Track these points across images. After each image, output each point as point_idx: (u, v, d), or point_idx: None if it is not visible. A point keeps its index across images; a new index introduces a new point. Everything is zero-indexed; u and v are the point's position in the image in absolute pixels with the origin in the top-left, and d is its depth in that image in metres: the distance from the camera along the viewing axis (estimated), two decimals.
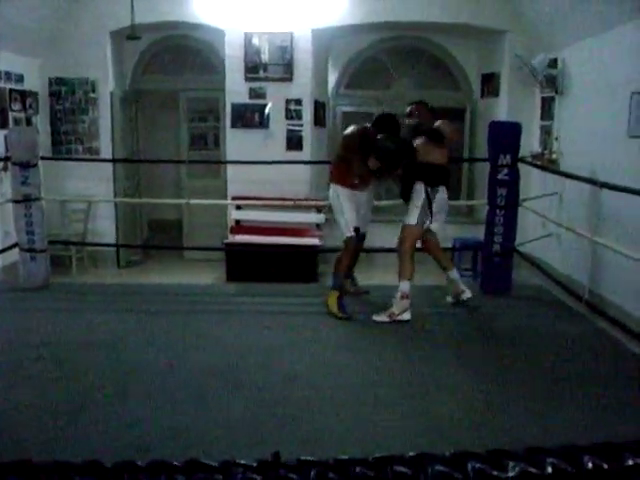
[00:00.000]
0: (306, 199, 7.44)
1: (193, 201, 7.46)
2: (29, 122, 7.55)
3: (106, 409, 3.72)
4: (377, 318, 5.20)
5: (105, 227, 7.97)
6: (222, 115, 8.09)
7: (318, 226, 7.62)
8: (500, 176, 5.88)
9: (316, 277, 7.09)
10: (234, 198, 7.64)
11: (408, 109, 5.58)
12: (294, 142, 7.62)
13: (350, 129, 5.34)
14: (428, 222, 5.25)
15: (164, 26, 7.80)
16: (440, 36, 8.26)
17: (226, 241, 7.55)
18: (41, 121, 7.80)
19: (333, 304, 5.34)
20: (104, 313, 5.67)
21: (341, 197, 5.28)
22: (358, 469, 0.96)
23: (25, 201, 6.24)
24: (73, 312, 5.74)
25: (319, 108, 7.94)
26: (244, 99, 7.59)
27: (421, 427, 3.50)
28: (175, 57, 8.39)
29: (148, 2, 7.07)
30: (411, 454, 1.01)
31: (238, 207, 7.69)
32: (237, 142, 7.66)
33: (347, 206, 5.27)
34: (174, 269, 7.83)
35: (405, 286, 5.18)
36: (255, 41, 7.49)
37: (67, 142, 7.98)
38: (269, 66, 7.52)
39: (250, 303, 5.99)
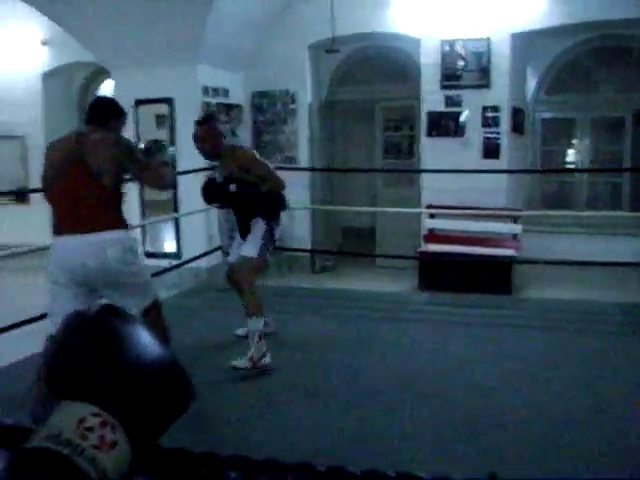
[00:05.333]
0: (502, 209, 7.35)
1: (386, 209, 7.64)
2: (234, 133, 8.17)
3: (293, 409, 3.98)
4: (234, 363, 4.49)
5: (301, 233, 8.39)
6: (417, 123, 8.21)
7: (515, 237, 7.49)
8: None
9: (510, 289, 6.98)
10: (428, 207, 7.73)
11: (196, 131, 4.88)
12: (491, 150, 7.57)
13: None
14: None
15: (360, 37, 8.11)
16: None
17: (419, 249, 7.65)
18: (244, 132, 8.40)
19: None
20: (296, 315, 6.03)
21: None
22: None
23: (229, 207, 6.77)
24: (268, 313, 6.12)
25: (517, 115, 7.82)
26: (440, 107, 7.67)
27: (612, 451, 3.36)
28: (371, 67, 8.67)
29: (345, 15, 7.40)
30: None
31: (432, 216, 7.77)
32: (432, 150, 7.75)
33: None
34: (366, 276, 8.08)
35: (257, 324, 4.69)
36: (451, 48, 7.54)
37: (267, 152, 8.50)
38: (465, 73, 7.55)
39: (441, 313, 6.06)
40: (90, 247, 3.47)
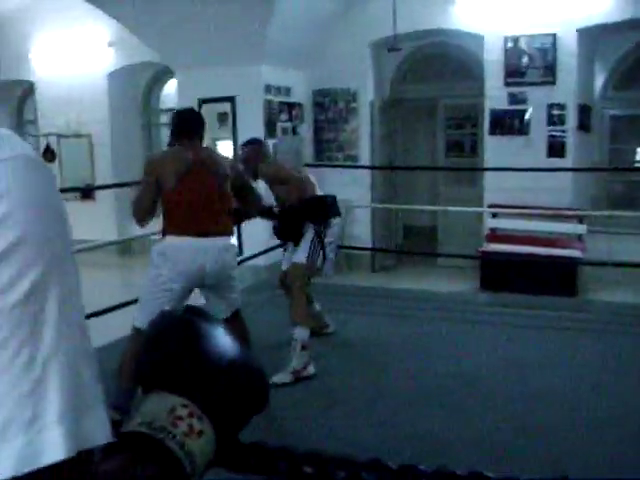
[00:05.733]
0: (567, 209, 7.20)
1: (448, 208, 7.58)
2: (295, 131, 8.22)
3: (353, 409, 3.99)
4: (274, 379, 4.29)
5: (362, 232, 8.39)
6: (480, 121, 8.11)
7: (580, 237, 7.33)
8: None
9: (574, 291, 6.83)
10: (490, 206, 7.63)
11: (241, 154, 5.15)
12: (556, 149, 7.42)
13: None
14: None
15: (423, 35, 8.06)
16: None
17: (481, 249, 7.56)
18: (306, 130, 8.45)
19: None
20: (357, 314, 6.04)
21: None
22: None
23: None
24: (331, 311, 6.15)
25: (584, 112, 7.64)
26: (503, 105, 7.56)
27: None
28: (433, 64, 8.60)
29: (407, 13, 7.35)
30: None
31: (494, 215, 7.67)
32: (495, 149, 7.65)
33: None
34: (427, 275, 8.03)
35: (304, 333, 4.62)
36: (515, 45, 7.42)
37: (329, 150, 8.55)
38: (530, 70, 7.42)
39: (502, 314, 5.99)
40: (214, 250, 3.69)
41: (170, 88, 9.69)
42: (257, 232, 7.67)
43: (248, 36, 7.25)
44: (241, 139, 7.62)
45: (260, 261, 7.46)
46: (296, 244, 4.93)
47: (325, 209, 4.96)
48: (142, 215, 3.79)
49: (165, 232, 3.78)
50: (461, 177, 8.89)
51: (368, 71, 8.30)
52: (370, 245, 8.40)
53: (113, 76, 9.66)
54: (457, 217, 8.25)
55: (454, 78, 8.58)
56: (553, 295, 6.52)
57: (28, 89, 10.88)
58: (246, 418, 0.92)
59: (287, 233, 5.05)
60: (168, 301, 3.57)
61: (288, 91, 8.13)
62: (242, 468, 0.92)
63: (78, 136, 9.65)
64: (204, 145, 4.18)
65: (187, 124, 3.96)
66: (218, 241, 3.73)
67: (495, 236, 7.65)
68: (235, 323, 3.85)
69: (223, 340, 0.91)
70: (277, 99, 7.93)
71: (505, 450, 3.38)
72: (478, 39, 7.69)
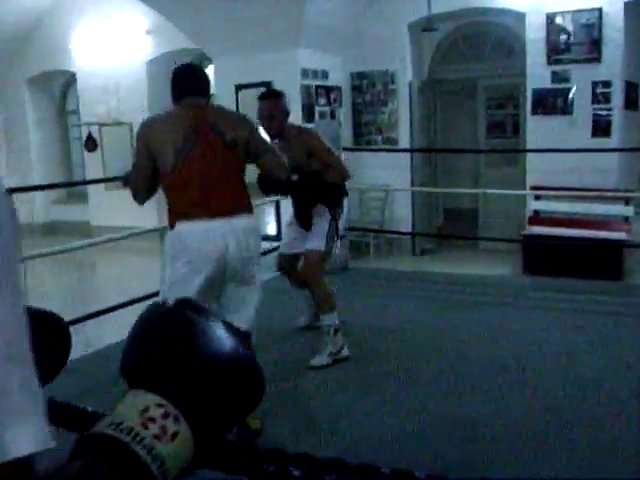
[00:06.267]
0: (613, 190, 7.01)
1: (489, 190, 7.46)
2: (333, 115, 8.15)
3: (392, 393, 3.95)
4: (313, 362, 4.32)
5: (402, 215, 8.33)
6: (522, 101, 7.93)
7: (626, 219, 7.13)
8: None
9: (620, 275, 6.66)
10: (533, 188, 7.48)
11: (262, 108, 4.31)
12: (601, 128, 7.21)
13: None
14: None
15: (462, 13, 7.91)
16: None
17: (523, 232, 7.42)
18: (344, 114, 8.38)
19: None
20: (397, 299, 6.00)
21: None
22: None
23: None
24: (369, 296, 6.14)
25: (631, 90, 7.40)
26: (546, 84, 7.38)
27: None
28: (473, 44, 8.45)
29: None
30: None
31: (537, 197, 7.51)
32: (538, 129, 7.48)
33: None
34: (468, 259, 7.93)
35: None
36: (558, 21, 7.23)
37: (367, 133, 8.47)
38: (574, 47, 7.21)
39: (544, 298, 5.89)
40: (235, 232, 3.12)
41: (209, 74, 9.71)
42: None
43: (284, 20, 7.20)
44: None
45: None
46: (306, 228, 4.51)
47: (340, 190, 4.49)
48: (141, 199, 3.30)
49: (172, 221, 3.17)
50: (503, 158, 8.73)
51: (406, 52, 8.18)
52: (410, 229, 8.32)
53: (152, 64, 9.71)
54: (499, 200, 8.12)
55: (494, 57, 8.40)
56: (597, 279, 6.36)
57: (70, 79, 11.03)
58: (237, 416, 0.90)
59: (304, 215, 4.51)
60: (192, 292, 3.01)
61: (326, 75, 8.07)
62: (231, 469, 0.91)
63: (119, 124, 9.73)
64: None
65: (186, 80, 3.31)
66: (238, 221, 3.14)
67: (538, 219, 7.50)
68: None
69: (216, 335, 0.88)
70: (314, 83, 7.88)
71: (545, 441, 3.30)
72: (520, 17, 7.51)
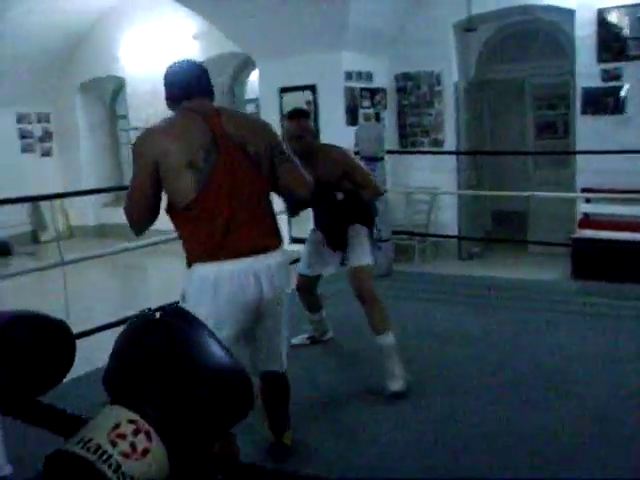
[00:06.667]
0: None
1: (537, 193, 7.29)
2: (378, 117, 8.09)
3: (428, 402, 3.87)
4: (395, 388, 3.93)
5: (448, 218, 8.21)
6: (571, 101, 7.72)
7: None
8: None
9: None
10: (584, 190, 7.27)
11: (291, 128, 4.03)
12: None
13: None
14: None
15: (509, 12, 7.75)
16: None
17: (573, 236, 7.21)
18: (389, 116, 8.31)
19: None
20: (441, 303, 5.91)
21: None
22: None
23: None
24: (412, 300, 6.05)
25: None
26: (596, 82, 7.16)
27: None
28: (520, 43, 8.27)
29: None
30: None
31: (588, 200, 7.30)
32: (588, 129, 7.27)
33: None
34: (516, 263, 7.77)
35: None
36: (610, 17, 7.00)
37: (413, 135, 8.38)
38: (626, 44, 6.97)
39: (594, 304, 5.70)
40: (268, 270, 2.63)
41: (255, 78, 9.75)
42: None
43: (328, 23, 7.19)
44: (323, 128, 7.63)
45: None
46: (340, 248, 4.22)
47: (375, 209, 4.31)
48: (139, 229, 2.66)
49: (191, 259, 2.63)
50: (552, 160, 8.51)
51: (452, 53, 8.05)
52: (456, 232, 8.19)
53: None
54: (548, 202, 7.91)
55: (542, 56, 8.21)
56: None
57: (120, 85, 11.23)
58: (222, 428, 0.88)
59: (339, 235, 4.18)
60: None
61: (370, 77, 8.02)
62: None
63: None
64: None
65: (190, 77, 2.65)
66: (269, 258, 2.64)
67: (588, 221, 7.28)
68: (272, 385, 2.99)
69: (203, 346, 0.86)
70: (359, 85, 7.83)
71: (588, 455, 3.18)
72: (568, 14, 7.31)
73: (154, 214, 2.60)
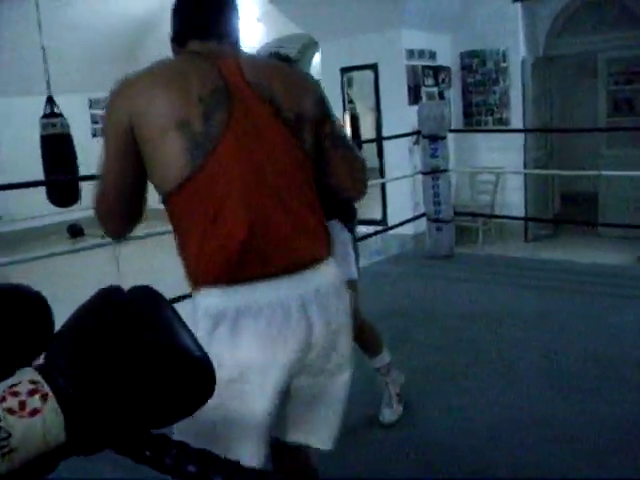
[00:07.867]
0: None
1: (605, 172, 6.97)
2: (442, 96, 7.90)
3: (479, 385, 3.77)
4: (390, 417, 3.45)
5: (514, 199, 7.96)
6: None
7: None
8: None
9: None
10: None
11: None
12: None
13: None
14: None
15: None
16: None
17: None
18: (453, 94, 8.10)
19: None
20: (504, 286, 5.77)
21: None
22: None
23: (433, 173, 6.63)
24: (474, 282, 5.93)
25: None
26: None
27: None
28: (593, 15, 7.86)
29: None
30: None
31: None
32: None
33: None
34: (585, 246, 7.46)
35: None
36: None
37: (477, 114, 8.15)
38: None
39: None
40: (319, 298, 1.63)
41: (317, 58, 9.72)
42: (403, 201, 7.50)
43: (387, 1, 7.03)
44: (385, 108, 7.52)
45: (407, 230, 7.31)
46: None
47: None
48: (116, 228, 1.76)
49: (196, 281, 1.62)
50: (629, 138, 8.11)
51: (519, 28, 7.74)
52: (522, 213, 7.93)
53: (263, 50, 9.79)
54: (620, 182, 7.57)
55: (617, 28, 7.79)
56: None
57: None
58: (165, 414, 0.85)
59: None
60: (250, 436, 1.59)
61: (433, 55, 7.83)
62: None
63: None
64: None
65: (202, 7, 1.73)
66: (317, 276, 1.63)
67: None
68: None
69: (154, 327, 0.83)
70: (421, 63, 7.66)
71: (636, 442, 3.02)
72: None
73: (137, 209, 1.73)
